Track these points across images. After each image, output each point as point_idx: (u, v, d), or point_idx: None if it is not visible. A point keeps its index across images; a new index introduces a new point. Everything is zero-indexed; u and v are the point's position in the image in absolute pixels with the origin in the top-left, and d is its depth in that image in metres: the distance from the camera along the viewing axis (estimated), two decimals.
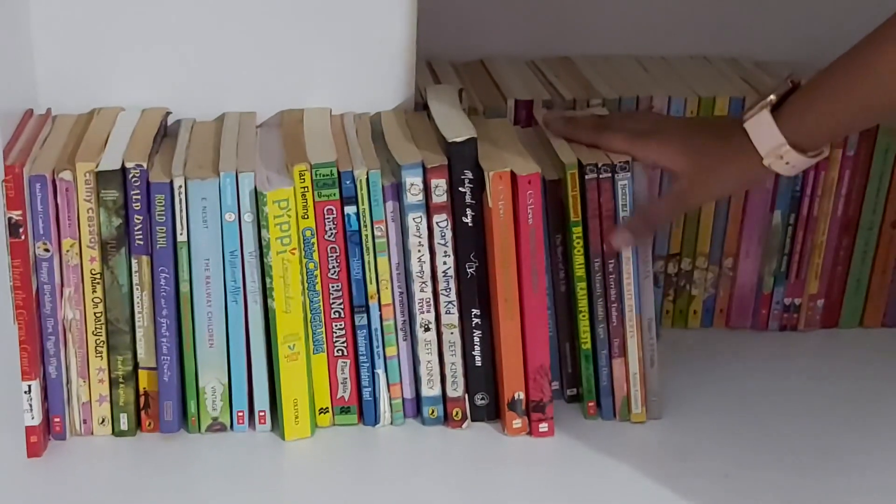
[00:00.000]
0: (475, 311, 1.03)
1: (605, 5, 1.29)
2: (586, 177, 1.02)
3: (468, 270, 1.02)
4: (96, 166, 0.96)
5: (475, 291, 1.03)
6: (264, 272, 0.99)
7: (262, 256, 0.99)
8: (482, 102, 1.16)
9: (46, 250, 0.96)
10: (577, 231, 1.03)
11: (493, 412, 1.05)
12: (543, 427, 1.04)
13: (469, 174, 1.00)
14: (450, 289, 1.02)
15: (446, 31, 1.26)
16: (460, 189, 1.01)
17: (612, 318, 1.05)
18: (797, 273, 1.21)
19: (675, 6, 1.29)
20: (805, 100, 0.93)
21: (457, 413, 1.05)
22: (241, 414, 1.03)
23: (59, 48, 1.06)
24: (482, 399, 1.05)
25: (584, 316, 1.05)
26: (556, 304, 1.06)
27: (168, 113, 1.08)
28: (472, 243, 1.02)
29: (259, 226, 0.98)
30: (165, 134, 1.07)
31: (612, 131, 1.03)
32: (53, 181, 0.96)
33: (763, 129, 0.94)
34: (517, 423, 1.04)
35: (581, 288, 1.04)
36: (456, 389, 1.04)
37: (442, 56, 1.26)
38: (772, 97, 0.94)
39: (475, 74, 1.24)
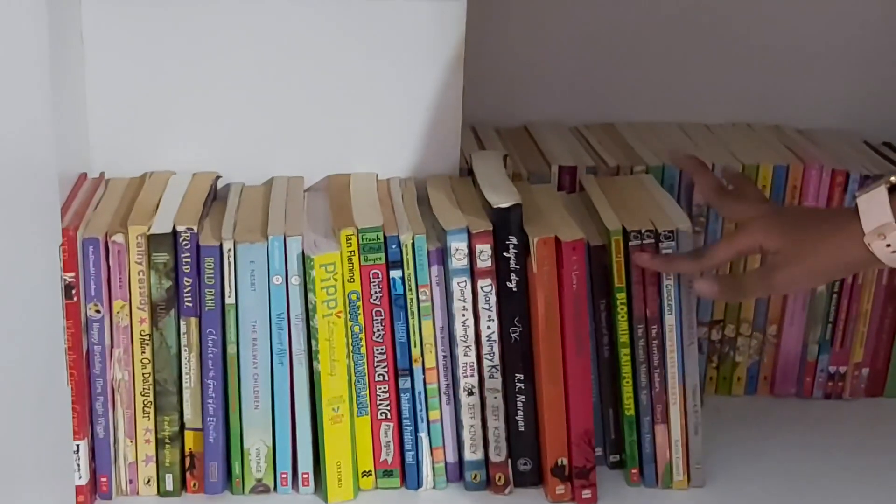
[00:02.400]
0: (518, 376, 1.03)
1: (649, 73, 1.30)
2: (630, 243, 1.03)
3: (512, 335, 1.03)
4: (148, 229, 0.98)
5: (519, 356, 1.03)
6: (310, 335, 1.00)
7: (308, 319, 1.00)
8: (526, 168, 1.18)
9: (97, 311, 0.98)
10: (622, 297, 1.04)
11: (536, 478, 1.05)
12: (587, 494, 1.04)
13: (514, 240, 1.01)
14: (493, 353, 1.03)
15: (490, 97, 1.27)
16: (505, 254, 1.01)
17: (655, 384, 1.05)
18: (842, 341, 1.20)
19: (718, 74, 1.30)
20: None
21: (500, 478, 1.05)
22: (284, 476, 1.03)
23: (112, 114, 1.08)
24: (525, 465, 1.05)
25: (627, 382, 1.05)
26: (599, 369, 1.06)
27: (218, 177, 1.10)
28: (516, 308, 1.02)
29: (306, 289, 0.99)
30: (215, 197, 1.09)
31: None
32: (106, 244, 0.97)
33: (874, 204, 0.89)
34: (560, 489, 1.04)
35: (625, 354, 1.05)
36: (499, 454, 1.05)
37: (486, 122, 1.28)
38: (893, 178, 0.90)
39: (519, 140, 1.25)
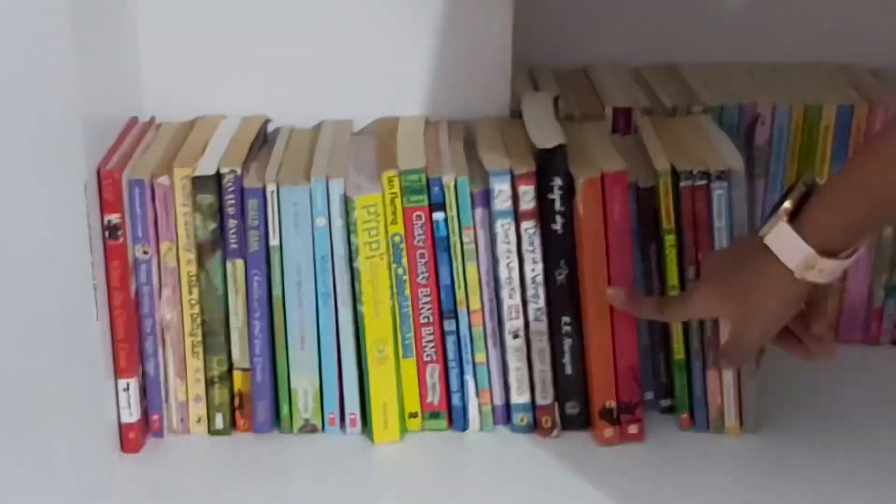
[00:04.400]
0: (565, 319, 1.02)
1: (713, 11, 1.27)
2: (681, 184, 1.01)
3: (557, 278, 1.02)
4: (193, 171, 0.99)
5: (565, 299, 1.02)
6: (353, 277, 1.00)
7: (351, 261, 1.00)
8: (580, 110, 1.16)
9: (145, 252, 1.00)
10: (671, 239, 1.02)
11: (584, 421, 1.05)
12: (633, 429, 1.03)
13: (559, 181, 1.00)
14: (538, 296, 1.02)
15: (550, 39, 1.26)
16: (549, 196, 1.00)
17: (707, 328, 1.03)
18: None
19: (787, 11, 1.27)
20: (825, 202, 0.86)
21: (546, 421, 1.04)
22: (332, 416, 1.04)
23: (165, 59, 1.09)
24: (573, 408, 1.04)
25: (677, 326, 1.03)
26: None
27: (268, 121, 1.10)
28: (561, 250, 1.01)
29: (349, 231, 1.00)
30: (265, 141, 1.09)
31: (652, 304, 1.01)
32: (152, 185, 0.99)
33: (786, 243, 0.87)
34: (609, 432, 1.03)
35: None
36: (546, 397, 1.04)
37: (544, 64, 1.26)
38: (787, 205, 0.88)
39: (576, 82, 1.23)
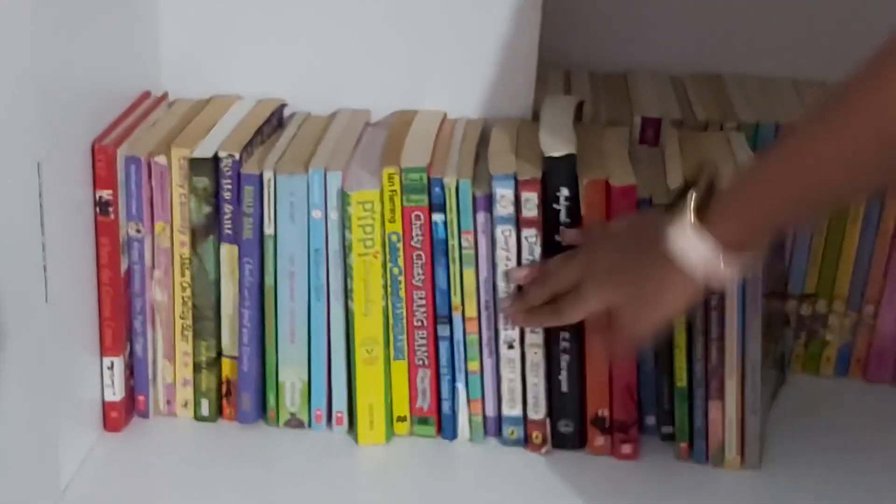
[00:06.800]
0: (564, 335, 0.99)
1: (764, 22, 1.21)
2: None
3: None
4: (190, 153, 0.97)
5: None
6: (346, 273, 0.98)
7: (345, 257, 0.98)
8: (608, 117, 1.11)
9: (138, 231, 0.98)
10: None
11: (577, 441, 1.01)
12: (626, 448, 0.99)
13: (565, 191, 0.96)
14: None
15: (590, 42, 1.21)
16: (554, 206, 0.96)
17: (712, 356, 0.98)
18: None
19: (844, 27, 1.20)
20: (737, 200, 0.83)
21: (537, 436, 1.01)
22: (318, 413, 1.02)
23: (185, 34, 1.08)
24: (566, 426, 1.01)
25: (680, 351, 0.99)
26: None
27: (283, 105, 1.08)
28: None
29: (344, 225, 0.97)
30: (280, 125, 1.07)
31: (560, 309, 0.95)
32: (149, 164, 0.97)
33: (692, 245, 0.83)
34: (600, 441, 1.00)
35: (679, 321, 0.98)
36: (538, 412, 1.00)
37: (583, 67, 1.21)
38: (693, 205, 0.84)
39: (611, 88, 1.18)
